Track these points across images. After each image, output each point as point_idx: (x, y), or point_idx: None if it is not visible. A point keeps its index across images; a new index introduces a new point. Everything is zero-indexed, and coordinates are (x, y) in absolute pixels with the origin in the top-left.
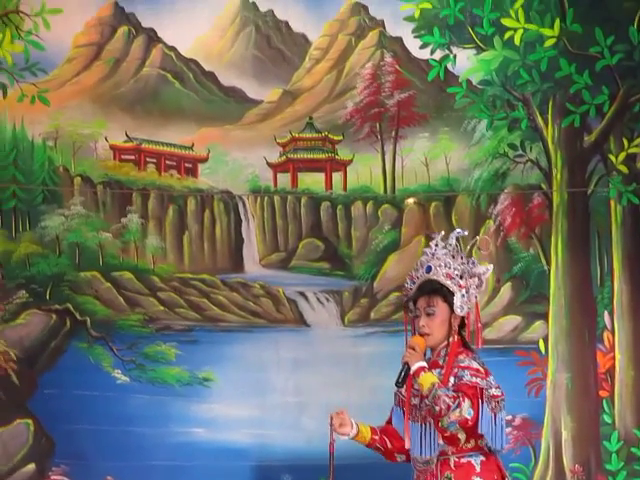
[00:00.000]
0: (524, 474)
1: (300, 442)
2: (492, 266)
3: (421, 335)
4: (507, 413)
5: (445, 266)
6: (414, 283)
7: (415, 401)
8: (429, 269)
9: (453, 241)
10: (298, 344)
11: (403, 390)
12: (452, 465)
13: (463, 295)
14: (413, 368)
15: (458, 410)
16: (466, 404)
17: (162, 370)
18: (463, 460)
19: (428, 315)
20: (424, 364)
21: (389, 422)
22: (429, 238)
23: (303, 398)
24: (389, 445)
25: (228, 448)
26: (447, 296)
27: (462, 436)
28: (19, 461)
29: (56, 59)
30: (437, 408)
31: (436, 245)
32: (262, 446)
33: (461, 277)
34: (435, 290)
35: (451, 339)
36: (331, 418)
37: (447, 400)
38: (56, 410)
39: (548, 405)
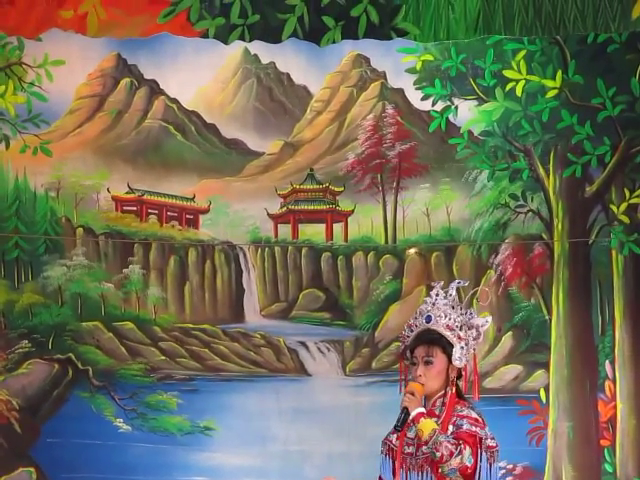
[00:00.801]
0: None
1: None
2: (491, 318)
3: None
4: (508, 462)
5: (445, 317)
6: (412, 331)
7: (409, 450)
8: (429, 319)
9: (453, 292)
10: (299, 393)
11: (394, 439)
12: None
13: (462, 347)
14: (413, 413)
15: (460, 457)
16: (467, 452)
17: (164, 419)
18: None
19: (426, 364)
20: (424, 410)
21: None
22: (430, 288)
23: (304, 447)
24: None
25: None
26: (446, 347)
27: None
28: None
29: (59, 110)
30: (438, 454)
31: (437, 295)
32: None
33: (460, 328)
34: (434, 340)
35: (449, 389)
36: None
37: (449, 446)
38: (58, 459)
39: (549, 454)
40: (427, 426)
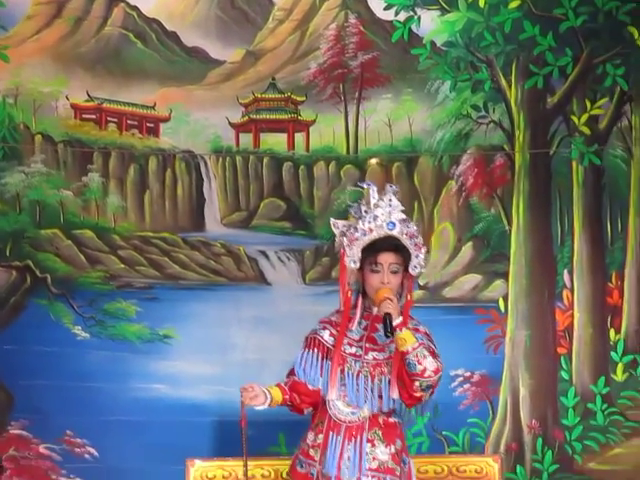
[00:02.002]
0: (481, 429)
1: None
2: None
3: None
4: (466, 370)
5: (406, 224)
6: (365, 235)
7: (351, 350)
8: (392, 225)
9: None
10: (259, 302)
11: (326, 335)
12: (381, 422)
13: (417, 256)
14: (396, 321)
15: (439, 375)
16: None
17: (123, 327)
18: (390, 420)
19: (392, 273)
20: (401, 319)
21: (292, 373)
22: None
23: (264, 355)
24: (298, 401)
25: (188, 404)
26: (405, 255)
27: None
28: None
29: (16, 15)
30: (420, 367)
31: (390, 200)
32: (222, 402)
33: (417, 237)
34: (399, 247)
35: (409, 297)
36: (241, 394)
37: (435, 363)
38: (16, 366)
39: (506, 362)
40: (410, 337)
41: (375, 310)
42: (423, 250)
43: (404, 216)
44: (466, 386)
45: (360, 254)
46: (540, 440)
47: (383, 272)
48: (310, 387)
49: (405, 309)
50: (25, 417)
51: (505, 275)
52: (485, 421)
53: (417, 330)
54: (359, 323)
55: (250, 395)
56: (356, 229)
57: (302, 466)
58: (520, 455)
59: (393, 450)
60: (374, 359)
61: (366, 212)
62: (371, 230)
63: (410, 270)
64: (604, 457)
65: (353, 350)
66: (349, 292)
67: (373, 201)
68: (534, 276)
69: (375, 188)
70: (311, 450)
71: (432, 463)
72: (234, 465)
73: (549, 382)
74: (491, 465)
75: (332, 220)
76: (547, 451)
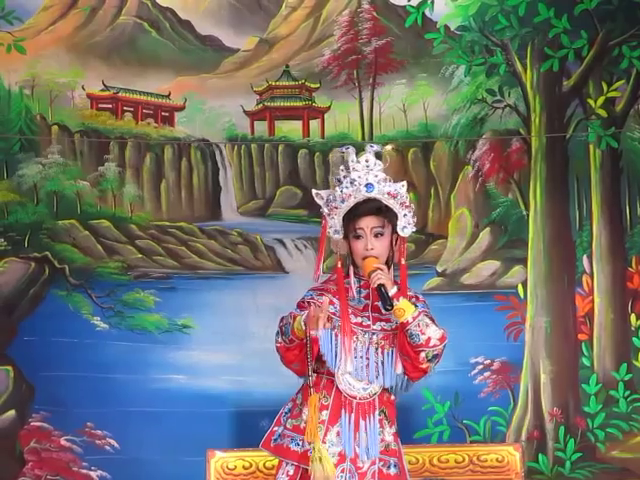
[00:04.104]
0: (503, 417)
1: (279, 388)
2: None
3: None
4: (486, 357)
5: (386, 183)
6: (344, 201)
7: (357, 320)
8: (370, 187)
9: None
10: (276, 291)
11: (323, 299)
12: (385, 399)
13: (405, 215)
14: (392, 291)
15: (445, 342)
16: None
17: (141, 317)
18: (391, 397)
19: (376, 236)
20: (396, 288)
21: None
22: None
23: None
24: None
25: (207, 394)
26: (390, 216)
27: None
28: None
29: (32, 7)
30: (424, 337)
31: (367, 161)
32: (241, 392)
33: (402, 195)
34: (381, 209)
35: (404, 262)
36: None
37: (439, 330)
38: (36, 357)
39: (527, 349)
40: (408, 306)
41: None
42: (411, 208)
43: (384, 175)
44: (486, 374)
45: (342, 222)
46: (562, 428)
47: (366, 237)
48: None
49: (402, 276)
50: (46, 409)
51: (524, 261)
52: (506, 409)
53: (417, 299)
54: (358, 292)
55: (317, 314)
56: (335, 197)
57: (298, 444)
58: (542, 443)
59: (394, 430)
60: (382, 330)
61: (344, 177)
62: (349, 195)
63: (399, 231)
64: (627, 445)
65: (359, 320)
66: (339, 262)
67: (351, 165)
68: (553, 261)
69: (353, 151)
70: None
71: (453, 452)
72: (254, 456)
73: (570, 369)
74: (512, 454)
75: (314, 191)
76: (569, 439)
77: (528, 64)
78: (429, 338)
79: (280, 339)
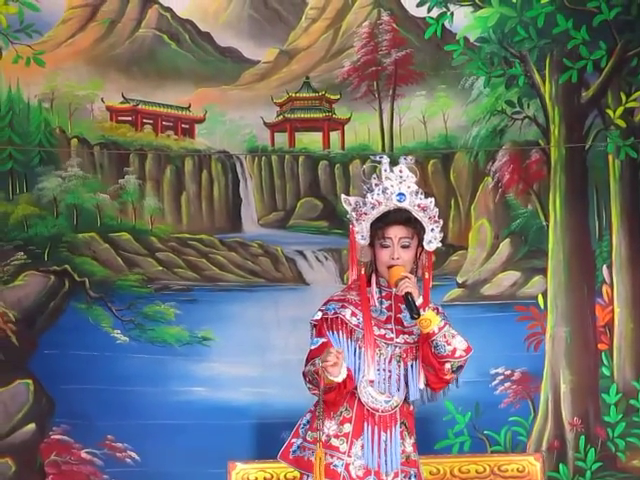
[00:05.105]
0: (523, 427)
1: (300, 400)
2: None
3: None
4: (507, 368)
5: (417, 196)
6: (373, 208)
7: (380, 332)
8: (402, 197)
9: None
10: (298, 302)
11: (348, 314)
12: (405, 411)
13: (433, 229)
14: (419, 301)
15: (471, 353)
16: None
17: (161, 330)
18: (410, 408)
19: (403, 247)
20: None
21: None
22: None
23: (303, 356)
24: (347, 386)
25: (228, 406)
26: (419, 229)
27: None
28: (19, 421)
29: (51, 20)
30: (450, 347)
31: (401, 172)
32: (262, 404)
33: (431, 209)
34: (410, 220)
35: (427, 275)
36: (324, 356)
37: (464, 341)
38: (56, 370)
39: (547, 359)
40: (434, 316)
41: (395, 289)
42: (439, 223)
43: (416, 187)
44: (507, 384)
45: (369, 229)
46: (582, 438)
47: (393, 247)
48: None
49: (425, 289)
50: (66, 422)
51: (544, 271)
52: (526, 419)
53: (437, 311)
54: (380, 303)
55: (332, 361)
56: (365, 203)
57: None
58: (562, 453)
59: (413, 440)
60: (405, 342)
61: (376, 185)
62: (380, 203)
63: (425, 245)
64: None
65: (382, 332)
66: (362, 269)
67: (384, 174)
68: (573, 272)
69: (387, 160)
70: (334, 440)
71: (474, 463)
72: (275, 467)
73: (590, 379)
74: (533, 464)
75: (343, 196)
76: (590, 449)
77: (547, 75)
78: (455, 349)
79: (314, 390)
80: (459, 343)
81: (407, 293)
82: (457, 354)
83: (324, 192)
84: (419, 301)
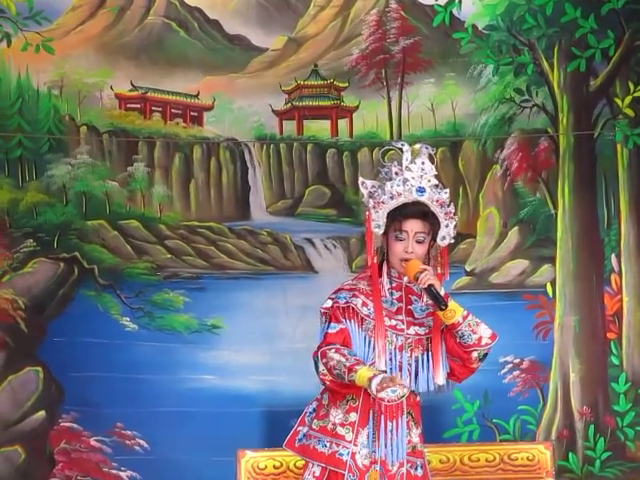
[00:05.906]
0: (532, 416)
1: (309, 388)
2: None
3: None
4: (515, 356)
5: (437, 190)
6: (392, 198)
7: (391, 323)
8: (422, 191)
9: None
10: (306, 290)
11: (359, 304)
12: (412, 401)
13: (447, 225)
14: (443, 291)
15: (496, 340)
16: None
17: (170, 317)
18: (417, 399)
19: (418, 242)
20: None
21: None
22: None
23: (312, 344)
24: None
25: (237, 394)
26: (434, 224)
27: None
28: (29, 408)
29: (60, 7)
30: (475, 336)
31: (423, 164)
32: (271, 392)
33: (448, 205)
34: (427, 215)
35: (440, 270)
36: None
37: (489, 328)
38: (65, 357)
39: (556, 348)
40: (457, 307)
41: (405, 279)
42: (454, 220)
43: (436, 182)
44: (516, 373)
45: (385, 218)
46: (592, 427)
47: (408, 240)
48: None
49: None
50: (75, 410)
51: (552, 260)
52: (536, 408)
53: None
54: (390, 294)
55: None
56: (384, 191)
57: (325, 445)
58: (572, 442)
59: (420, 431)
60: (416, 334)
61: (396, 174)
62: (399, 194)
63: (438, 240)
64: None
65: (393, 323)
66: (375, 258)
67: (405, 163)
68: (581, 260)
69: (409, 149)
70: (340, 429)
71: (484, 451)
72: (285, 455)
73: (599, 368)
74: (543, 452)
75: (360, 179)
76: (599, 438)
77: (555, 64)
78: (481, 337)
79: (330, 377)
80: (484, 331)
81: (430, 285)
82: (483, 342)
83: (332, 180)
84: (442, 292)
